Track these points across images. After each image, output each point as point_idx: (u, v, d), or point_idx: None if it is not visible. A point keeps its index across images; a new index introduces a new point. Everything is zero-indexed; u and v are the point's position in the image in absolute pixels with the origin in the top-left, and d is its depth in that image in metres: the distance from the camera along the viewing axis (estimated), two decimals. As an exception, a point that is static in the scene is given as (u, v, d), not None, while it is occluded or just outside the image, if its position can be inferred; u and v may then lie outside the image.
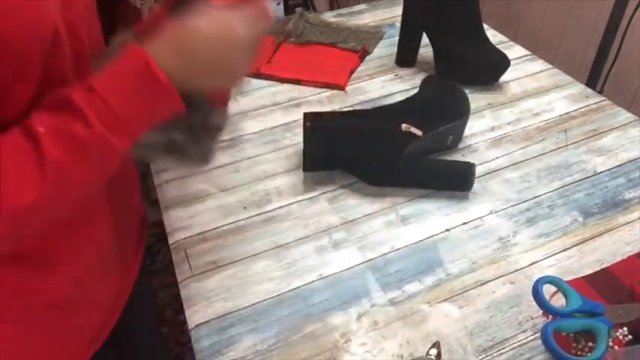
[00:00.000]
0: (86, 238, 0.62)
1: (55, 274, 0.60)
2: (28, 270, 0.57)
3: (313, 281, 0.72)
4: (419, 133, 0.86)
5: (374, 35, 1.25)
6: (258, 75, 1.13)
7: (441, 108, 0.91)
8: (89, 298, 0.66)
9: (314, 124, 0.84)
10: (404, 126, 0.86)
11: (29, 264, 0.57)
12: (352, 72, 1.15)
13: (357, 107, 1.03)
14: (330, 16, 1.35)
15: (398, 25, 1.16)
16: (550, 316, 0.65)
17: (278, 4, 2.25)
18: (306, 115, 0.86)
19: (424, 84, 0.98)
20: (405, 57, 1.16)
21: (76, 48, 0.51)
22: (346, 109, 1.03)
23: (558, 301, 0.67)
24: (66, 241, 0.59)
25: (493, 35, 1.24)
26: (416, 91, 0.99)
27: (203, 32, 0.50)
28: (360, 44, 1.20)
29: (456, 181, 0.84)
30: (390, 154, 0.83)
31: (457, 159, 0.91)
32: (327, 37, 1.23)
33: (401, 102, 0.95)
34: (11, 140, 0.45)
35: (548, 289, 0.67)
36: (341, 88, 1.09)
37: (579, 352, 0.62)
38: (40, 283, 0.59)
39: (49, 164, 0.45)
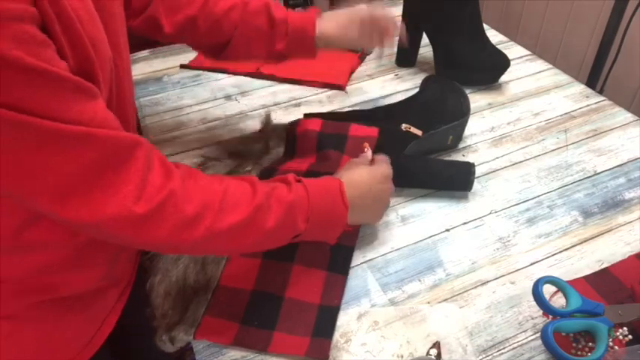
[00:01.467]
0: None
1: (80, 274, 0.61)
2: (55, 271, 0.58)
3: (313, 281, 0.72)
4: (419, 132, 0.86)
5: None
6: (258, 75, 1.13)
7: (441, 108, 0.91)
8: (96, 295, 0.66)
9: (314, 114, 0.85)
10: (404, 126, 0.87)
11: (60, 267, 0.58)
12: (352, 72, 1.15)
13: (357, 107, 1.03)
14: None
15: (398, 25, 1.16)
16: (550, 316, 0.65)
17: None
18: (306, 115, 0.87)
19: (424, 84, 0.98)
20: (405, 57, 1.16)
21: (115, 72, 0.55)
22: (346, 109, 1.03)
23: (558, 301, 0.67)
24: (103, 246, 0.61)
25: (493, 35, 1.24)
26: (416, 91, 0.99)
27: (367, 176, 0.70)
28: None
29: (456, 181, 0.84)
30: (391, 154, 0.83)
31: (457, 159, 0.91)
32: None
33: (401, 102, 0.95)
34: (238, 181, 0.60)
35: (548, 289, 0.67)
36: (341, 88, 1.09)
37: (579, 352, 0.62)
38: (59, 281, 0.59)
39: (255, 202, 0.57)
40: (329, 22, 0.79)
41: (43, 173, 0.44)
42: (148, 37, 0.79)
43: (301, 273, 0.71)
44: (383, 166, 0.73)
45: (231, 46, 0.79)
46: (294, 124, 0.89)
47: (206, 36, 0.78)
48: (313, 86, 1.10)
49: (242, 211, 0.56)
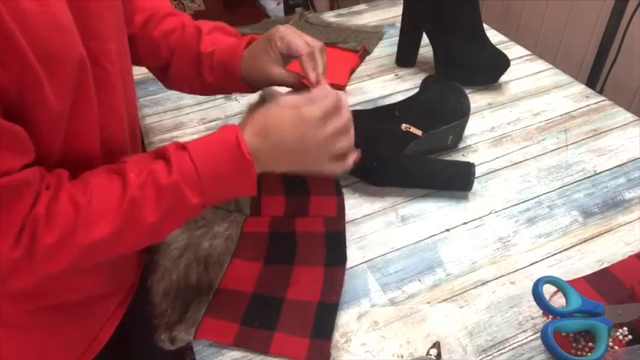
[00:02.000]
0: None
1: (79, 280, 0.61)
2: (54, 278, 0.58)
3: (313, 281, 0.72)
4: (419, 133, 0.86)
5: (374, 35, 1.25)
6: None
7: (441, 108, 0.91)
8: (96, 301, 0.66)
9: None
10: (404, 126, 0.86)
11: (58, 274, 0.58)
12: (352, 72, 1.15)
13: (357, 107, 1.03)
14: (330, 16, 1.35)
15: (398, 25, 1.16)
16: (550, 316, 0.65)
17: (278, 4, 2.25)
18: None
19: (424, 84, 0.98)
20: (405, 57, 1.16)
21: (100, 75, 0.54)
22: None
23: (558, 301, 0.67)
24: None
25: (493, 35, 1.24)
26: (416, 91, 0.99)
27: (284, 118, 0.57)
28: (360, 44, 1.20)
29: (456, 181, 0.84)
30: (391, 154, 0.82)
31: (457, 159, 0.91)
32: (327, 37, 1.23)
33: (401, 102, 0.95)
34: (103, 175, 0.52)
35: (548, 289, 0.67)
36: (341, 88, 1.09)
37: (579, 352, 0.62)
38: (58, 287, 0.59)
39: (126, 203, 0.50)
40: (249, 59, 0.70)
41: None
42: None
43: (301, 273, 0.71)
44: (310, 106, 0.58)
45: (171, 71, 0.75)
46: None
47: (145, 58, 0.75)
48: (313, 86, 1.10)
49: (111, 219, 0.50)
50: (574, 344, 0.63)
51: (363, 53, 1.20)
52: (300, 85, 0.67)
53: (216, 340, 0.64)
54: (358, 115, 0.96)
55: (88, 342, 0.67)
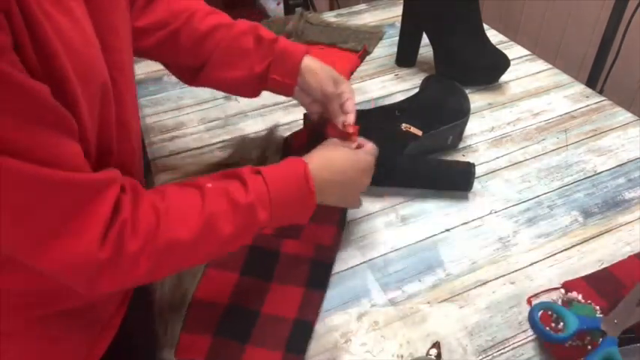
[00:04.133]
0: None
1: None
2: (55, 284, 0.58)
3: (313, 281, 0.72)
4: (419, 133, 0.86)
5: (374, 35, 1.25)
6: None
7: (441, 108, 0.91)
8: (96, 306, 0.66)
9: (314, 124, 0.84)
10: (404, 126, 0.86)
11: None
12: (352, 72, 1.14)
13: (357, 107, 1.03)
14: (330, 16, 1.34)
15: (398, 25, 1.16)
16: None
17: (278, 3, 2.25)
18: (306, 115, 0.86)
19: (424, 84, 0.98)
20: (405, 57, 1.16)
21: (114, 88, 0.54)
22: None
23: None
24: None
25: (493, 35, 1.24)
26: (416, 91, 0.99)
27: (348, 159, 0.67)
28: (360, 44, 1.20)
29: (456, 181, 0.84)
30: (391, 154, 0.82)
31: (457, 159, 0.91)
32: (327, 37, 1.23)
33: (401, 102, 0.95)
34: (184, 188, 0.56)
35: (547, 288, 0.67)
36: None
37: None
38: (58, 295, 0.59)
39: (206, 213, 0.53)
40: (317, 62, 0.75)
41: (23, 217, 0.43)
42: None
43: (279, 290, 0.70)
44: (367, 155, 0.70)
45: (208, 68, 0.75)
46: (292, 137, 0.89)
47: (186, 54, 0.74)
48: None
49: (192, 226, 0.52)
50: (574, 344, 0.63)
51: (363, 53, 1.19)
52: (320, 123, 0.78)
53: (193, 356, 0.63)
54: (358, 115, 0.95)
55: (88, 348, 0.67)
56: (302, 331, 0.65)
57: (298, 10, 2.00)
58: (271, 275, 0.71)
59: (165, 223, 0.51)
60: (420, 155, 0.87)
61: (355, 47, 1.19)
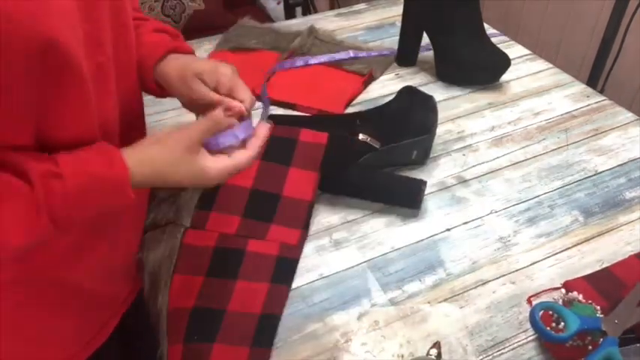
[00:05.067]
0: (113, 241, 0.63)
1: (80, 265, 0.60)
2: (56, 260, 0.57)
3: (314, 281, 0.72)
4: (376, 145, 0.84)
5: (384, 60, 1.17)
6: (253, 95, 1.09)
7: (406, 121, 0.89)
8: (104, 290, 0.66)
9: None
10: (361, 136, 0.84)
11: (60, 256, 0.57)
12: (352, 100, 1.06)
13: (358, 107, 1.03)
14: (341, 35, 1.25)
15: (398, 24, 1.16)
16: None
17: (278, 3, 2.25)
18: (271, 117, 0.86)
19: (399, 94, 0.94)
20: (406, 57, 1.16)
21: (98, 58, 0.51)
22: (346, 110, 1.03)
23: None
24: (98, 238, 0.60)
25: (493, 35, 1.24)
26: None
27: (189, 170, 0.54)
28: (368, 68, 1.12)
29: (404, 198, 0.81)
30: (341, 164, 0.80)
31: (457, 159, 0.91)
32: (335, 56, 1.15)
33: (366, 111, 0.91)
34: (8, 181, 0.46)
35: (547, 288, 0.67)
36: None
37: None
38: (60, 274, 0.59)
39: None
40: (170, 66, 0.65)
41: None
42: None
43: (244, 287, 0.70)
44: (224, 164, 0.56)
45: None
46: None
47: None
48: (307, 112, 1.02)
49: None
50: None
51: (369, 78, 1.11)
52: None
53: None
54: (319, 121, 0.93)
55: (95, 330, 0.67)
56: (268, 325, 0.66)
57: (298, 9, 2.00)
58: (236, 273, 0.71)
59: None
60: (377, 168, 0.84)
61: (361, 70, 1.11)
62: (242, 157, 0.57)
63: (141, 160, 0.52)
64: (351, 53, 1.16)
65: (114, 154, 0.51)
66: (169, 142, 0.54)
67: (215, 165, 0.55)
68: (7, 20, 0.40)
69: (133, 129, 0.63)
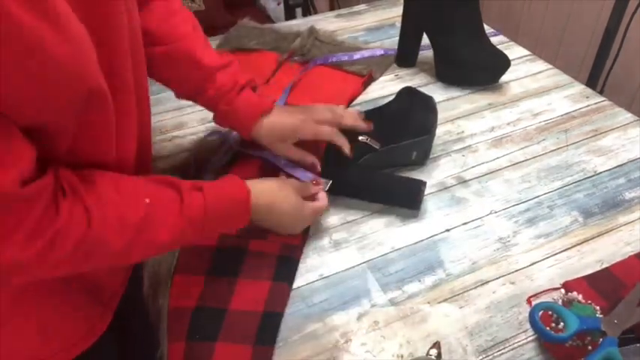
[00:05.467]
0: None
1: None
2: None
3: (313, 281, 0.72)
4: (376, 145, 0.84)
5: (384, 61, 1.17)
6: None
7: (405, 122, 0.89)
8: (103, 276, 0.66)
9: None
10: (361, 137, 0.84)
11: None
12: (351, 100, 1.06)
13: (358, 107, 1.03)
14: (342, 35, 1.26)
15: (398, 25, 1.16)
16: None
17: (278, 3, 2.25)
18: None
19: (399, 95, 0.94)
20: (405, 57, 1.16)
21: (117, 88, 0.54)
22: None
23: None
24: None
25: (493, 35, 1.24)
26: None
27: (288, 206, 0.71)
28: (367, 69, 1.12)
29: (404, 198, 0.81)
30: (340, 164, 0.80)
31: (457, 159, 0.91)
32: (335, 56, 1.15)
33: (367, 112, 0.92)
34: (124, 198, 0.55)
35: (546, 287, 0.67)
36: None
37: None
38: None
39: (140, 227, 0.55)
40: (268, 129, 0.78)
41: None
42: None
43: (245, 286, 0.70)
44: (309, 210, 0.73)
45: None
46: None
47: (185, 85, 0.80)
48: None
49: (123, 239, 0.54)
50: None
51: (368, 79, 1.11)
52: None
53: None
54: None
55: (92, 321, 0.67)
56: (271, 323, 0.66)
57: (298, 10, 2.00)
58: (238, 272, 0.71)
59: (99, 232, 0.51)
60: (376, 168, 0.85)
61: (361, 71, 1.11)
62: (324, 202, 0.76)
63: (261, 189, 0.68)
64: (355, 56, 1.16)
65: (241, 182, 0.66)
66: (280, 180, 0.74)
67: (311, 204, 0.74)
68: (59, 69, 0.43)
69: (144, 144, 0.66)
